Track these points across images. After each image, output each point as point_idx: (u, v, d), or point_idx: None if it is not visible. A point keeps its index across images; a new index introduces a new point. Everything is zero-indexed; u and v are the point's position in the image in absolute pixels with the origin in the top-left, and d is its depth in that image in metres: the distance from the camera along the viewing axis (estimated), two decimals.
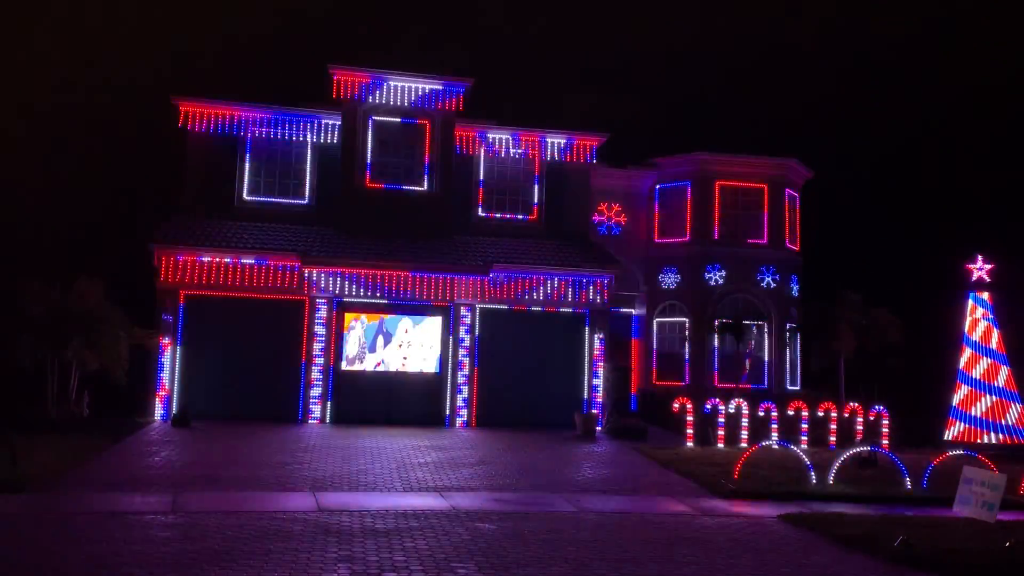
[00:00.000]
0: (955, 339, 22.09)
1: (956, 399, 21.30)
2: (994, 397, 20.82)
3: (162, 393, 20.18)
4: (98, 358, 18.22)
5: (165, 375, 20.26)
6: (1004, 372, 21.07)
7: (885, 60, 44.60)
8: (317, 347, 20.93)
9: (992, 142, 37.90)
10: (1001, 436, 20.52)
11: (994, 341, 21.23)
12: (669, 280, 26.01)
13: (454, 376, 21.52)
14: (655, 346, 26.10)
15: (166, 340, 20.31)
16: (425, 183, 22.80)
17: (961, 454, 15.73)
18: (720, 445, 19.12)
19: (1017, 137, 36.93)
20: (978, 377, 21.05)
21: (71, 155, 31.56)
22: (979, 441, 20.32)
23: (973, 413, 20.86)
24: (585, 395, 22.10)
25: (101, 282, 18.85)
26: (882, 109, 42.79)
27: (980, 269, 21.84)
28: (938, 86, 40.99)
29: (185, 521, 10.43)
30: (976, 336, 21.40)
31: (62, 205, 29.57)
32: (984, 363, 21.07)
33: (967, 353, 21.41)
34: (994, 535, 11.04)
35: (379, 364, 21.51)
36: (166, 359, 20.29)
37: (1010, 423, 20.67)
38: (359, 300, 21.41)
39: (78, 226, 29.22)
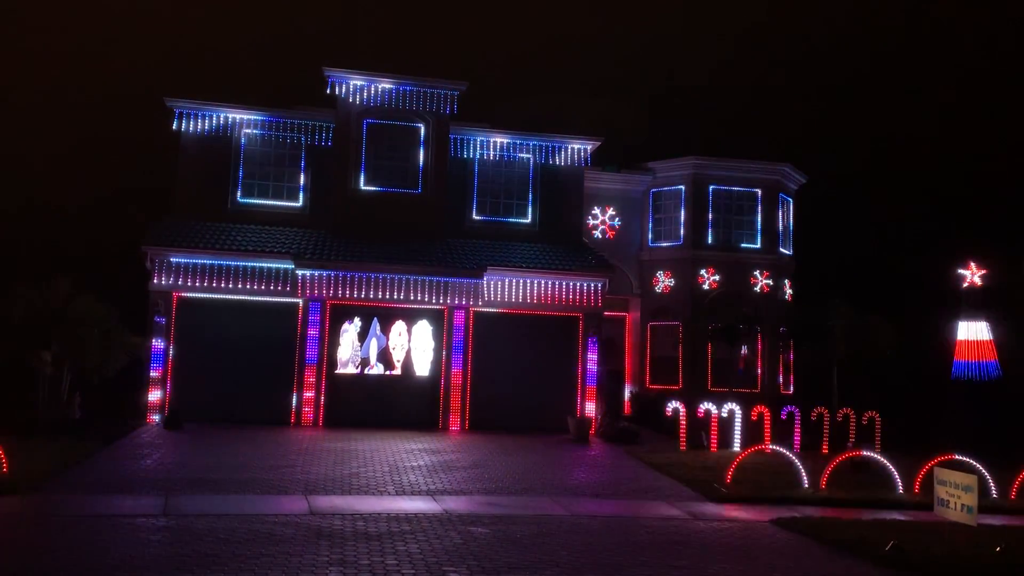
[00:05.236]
0: (948, 344, 22.16)
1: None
2: None
3: (154, 395, 20.08)
4: (82, 359, 18.06)
5: (157, 377, 20.17)
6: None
7: (882, 66, 44.75)
8: (310, 350, 20.88)
9: (990, 147, 38.02)
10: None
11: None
12: (663, 283, 26.03)
13: (448, 379, 21.48)
14: (649, 350, 26.11)
15: (158, 342, 20.23)
16: (419, 186, 22.77)
17: (954, 459, 15.72)
18: (713, 449, 19.13)
19: (1014, 142, 37.06)
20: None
21: (67, 156, 31.49)
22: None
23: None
24: (579, 399, 22.08)
25: (83, 281, 18.61)
26: (878, 118, 42.90)
27: (973, 275, 21.91)
28: (933, 91, 41.13)
29: (176, 524, 10.39)
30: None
31: (58, 208, 29.51)
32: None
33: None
34: (984, 540, 11.07)
35: (372, 367, 21.47)
36: (158, 361, 20.22)
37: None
38: (353, 303, 21.36)
39: (73, 228, 29.15)
